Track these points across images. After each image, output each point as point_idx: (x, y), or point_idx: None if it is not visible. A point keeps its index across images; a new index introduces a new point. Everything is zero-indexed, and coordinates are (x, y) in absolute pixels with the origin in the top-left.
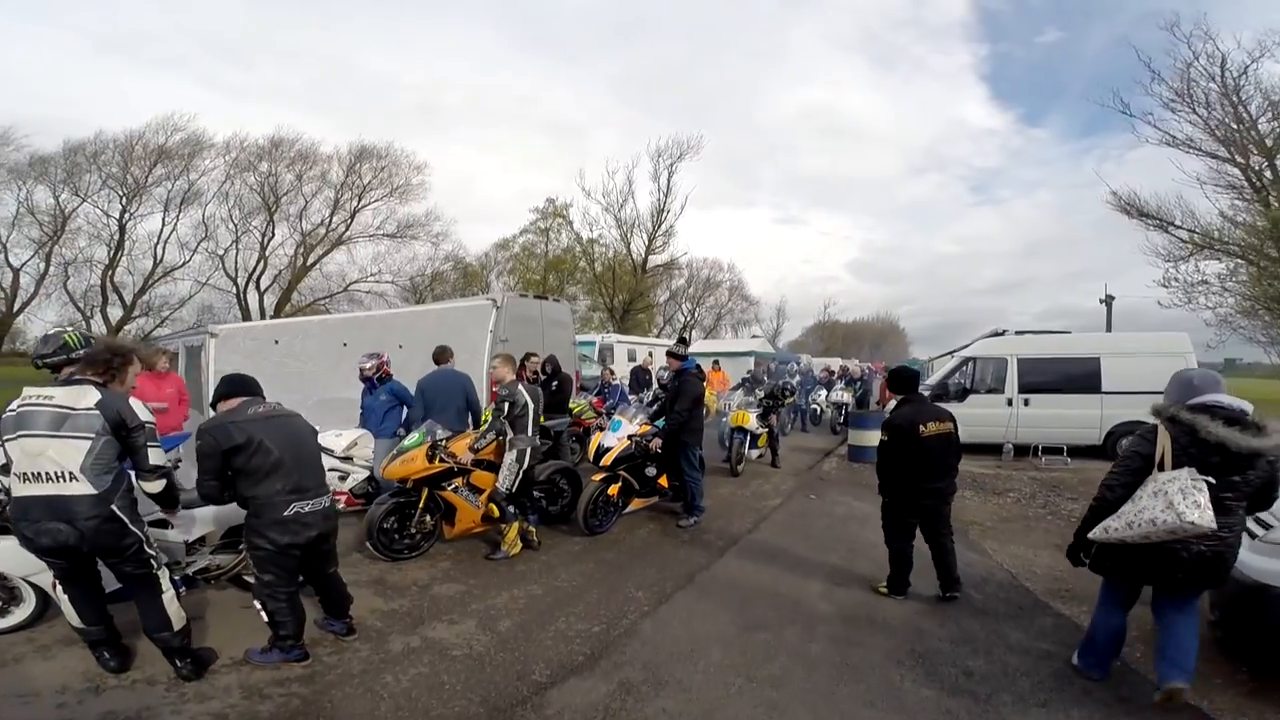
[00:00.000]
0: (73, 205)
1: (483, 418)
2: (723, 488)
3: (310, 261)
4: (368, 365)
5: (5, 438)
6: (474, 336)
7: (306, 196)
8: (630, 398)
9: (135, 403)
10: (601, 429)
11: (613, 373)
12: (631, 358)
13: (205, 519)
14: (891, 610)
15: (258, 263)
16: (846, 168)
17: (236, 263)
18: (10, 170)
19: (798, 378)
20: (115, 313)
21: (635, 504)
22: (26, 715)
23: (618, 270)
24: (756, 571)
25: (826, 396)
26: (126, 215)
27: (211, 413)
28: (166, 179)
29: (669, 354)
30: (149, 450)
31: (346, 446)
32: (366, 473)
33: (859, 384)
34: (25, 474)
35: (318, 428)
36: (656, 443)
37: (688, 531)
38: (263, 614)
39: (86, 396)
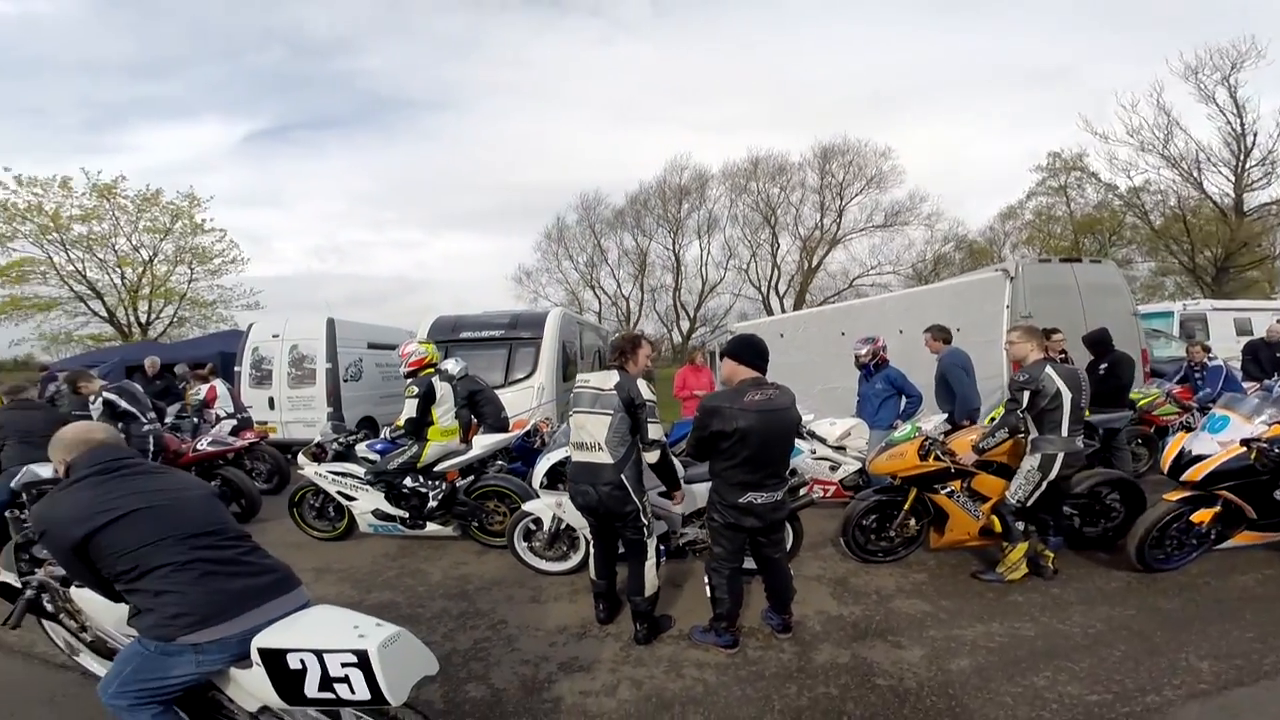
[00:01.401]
0: (645, 244)
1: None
2: None
3: (815, 264)
4: (862, 351)
5: (569, 413)
6: (986, 314)
7: (795, 204)
8: (1245, 385)
9: (642, 384)
10: (1188, 428)
11: (1208, 350)
12: (1242, 329)
13: (703, 494)
14: None
15: (772, 271)
16: None
17: (757, 273)
18: (606, 223)
19: None
20: (685, 325)
21: (1243, 538)
22: (528, 645)
23: (1189, 220)
24: None
25: None
26: (678, 245)
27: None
28: (692, 212)
29: None
30: (649, 425)
31: (839, 436)
32: (858, 464)
33: None
34: (575, 443)
35: (813, 415)
36: None
37: None
38: (708, 588)
39: (610, 379)
